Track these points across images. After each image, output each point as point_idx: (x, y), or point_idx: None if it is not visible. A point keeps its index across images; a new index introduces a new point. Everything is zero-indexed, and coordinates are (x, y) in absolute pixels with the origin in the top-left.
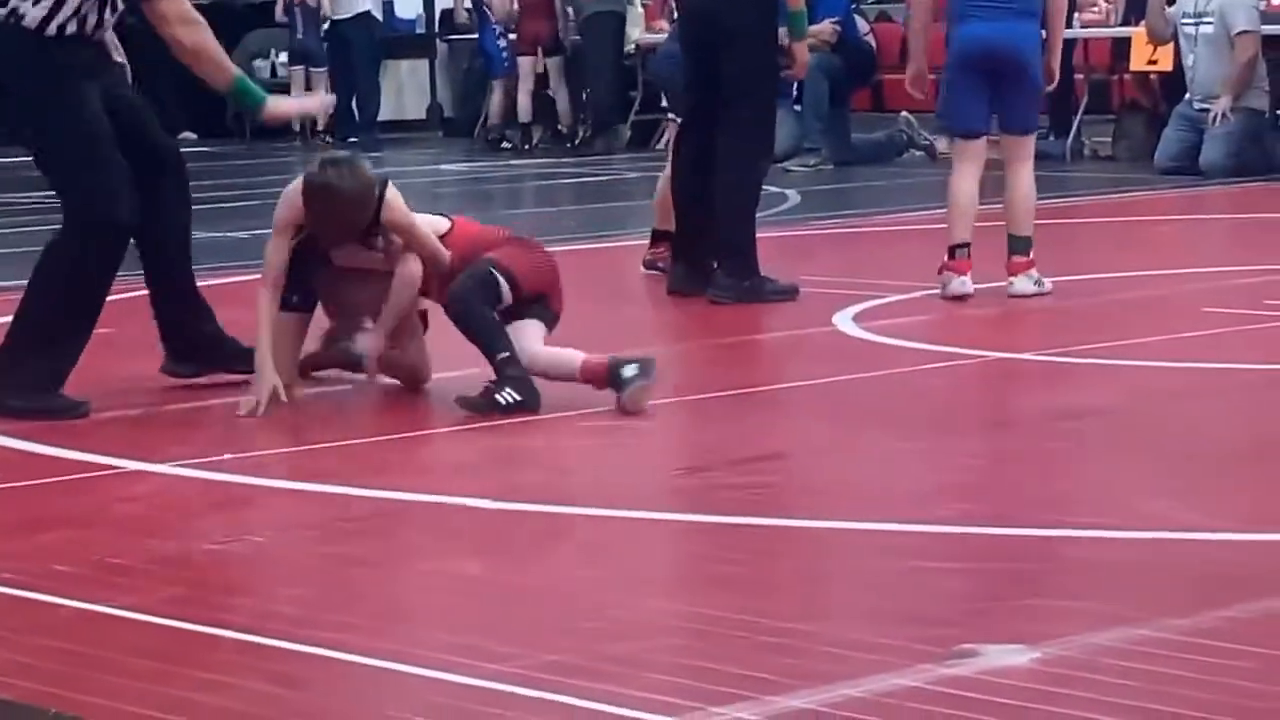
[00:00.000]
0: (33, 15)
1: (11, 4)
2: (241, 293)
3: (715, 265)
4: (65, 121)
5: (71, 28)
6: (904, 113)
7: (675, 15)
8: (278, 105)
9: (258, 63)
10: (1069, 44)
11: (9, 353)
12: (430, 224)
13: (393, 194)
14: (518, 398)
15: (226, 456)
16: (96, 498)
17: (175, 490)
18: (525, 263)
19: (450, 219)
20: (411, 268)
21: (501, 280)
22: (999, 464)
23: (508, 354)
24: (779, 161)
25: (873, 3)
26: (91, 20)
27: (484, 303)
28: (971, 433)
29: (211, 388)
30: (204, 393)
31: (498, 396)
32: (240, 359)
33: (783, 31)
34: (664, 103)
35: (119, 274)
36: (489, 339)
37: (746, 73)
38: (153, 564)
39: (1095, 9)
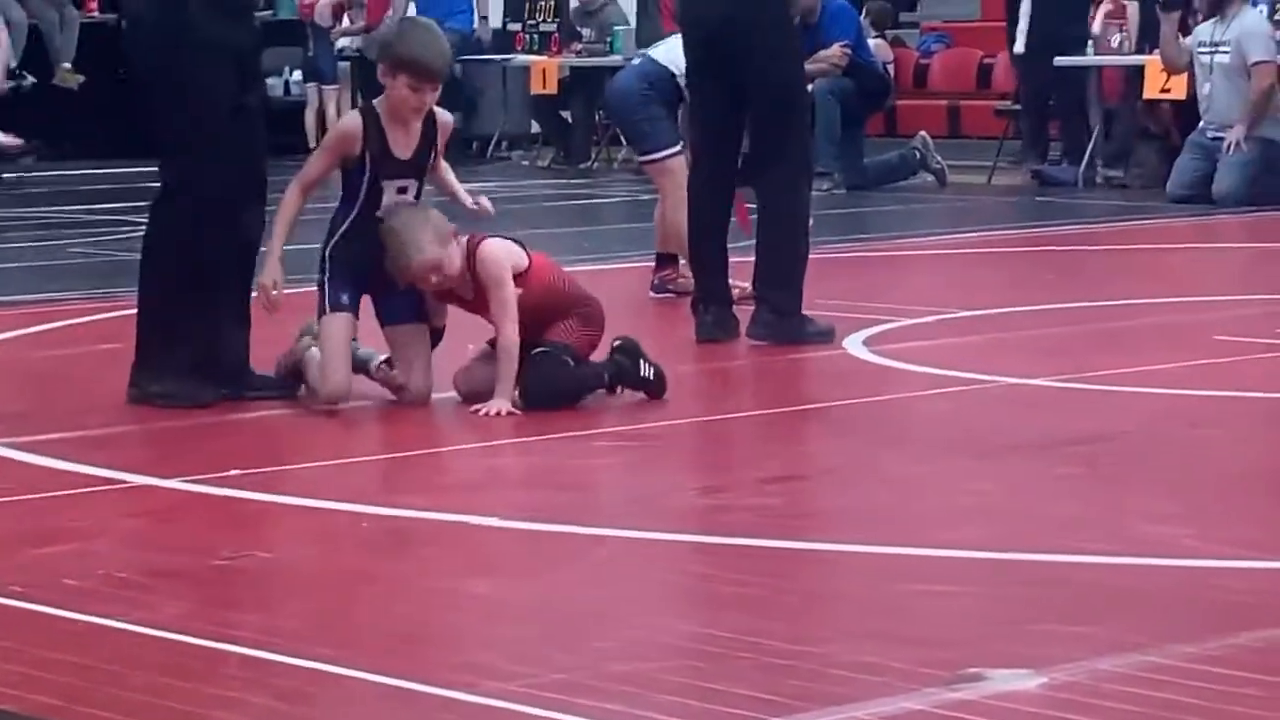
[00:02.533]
0: None
1: None
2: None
3: (756, 300)
4: (198, 92)
5: None
6: (922, 133)
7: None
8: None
9: (271, 80)
10: (1085, 73)
11: (141, 344)
12: (510, 255)
13: (490, 246)
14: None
15: (235, 472)
16: (105, 512)
17: (183, 505)
18: (585, 342)
19: (529, 256)
20: (509, 333)
21: (568, 359)
22: (1008, 489)
23: (604, 375)
24: None
25: (889, 28)
26: None
27: (559, 380)
28: (981, 457)
29: (221, 405)
30: (213, 409)
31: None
32: (262, 386)
33: None
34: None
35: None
36: (588, 385)
37: (776, 90)
38: (160, 578)
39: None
